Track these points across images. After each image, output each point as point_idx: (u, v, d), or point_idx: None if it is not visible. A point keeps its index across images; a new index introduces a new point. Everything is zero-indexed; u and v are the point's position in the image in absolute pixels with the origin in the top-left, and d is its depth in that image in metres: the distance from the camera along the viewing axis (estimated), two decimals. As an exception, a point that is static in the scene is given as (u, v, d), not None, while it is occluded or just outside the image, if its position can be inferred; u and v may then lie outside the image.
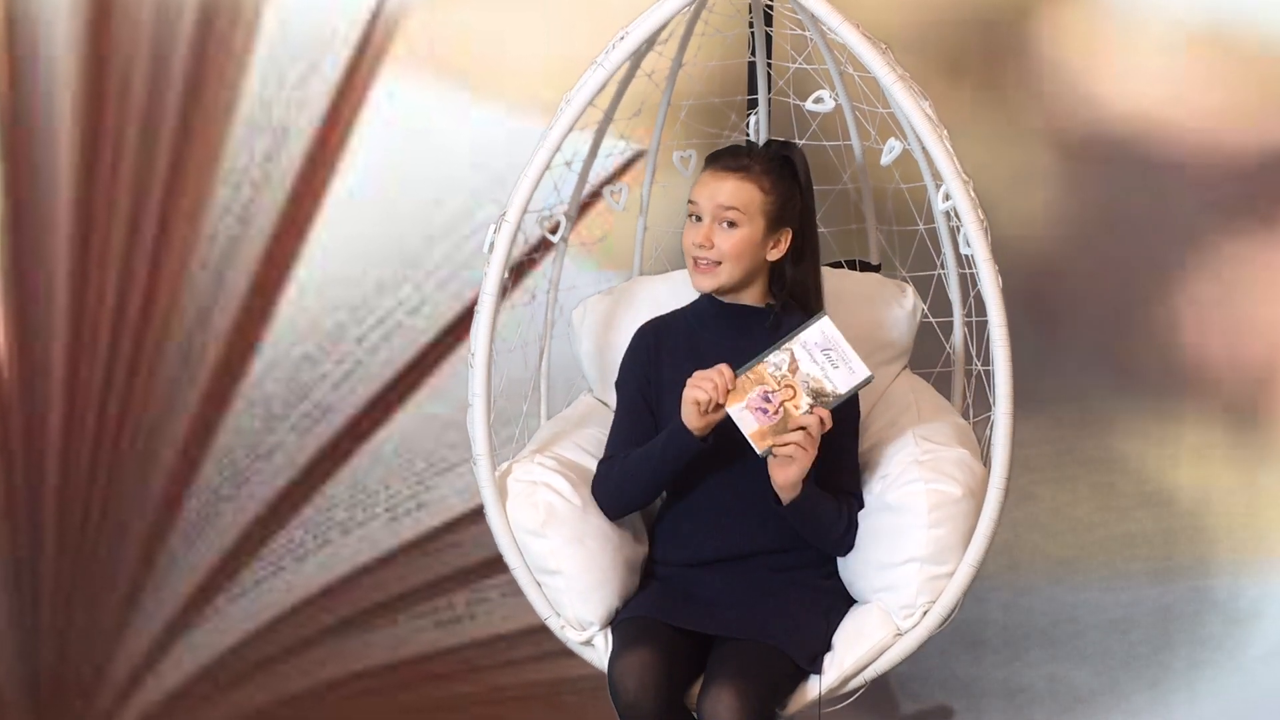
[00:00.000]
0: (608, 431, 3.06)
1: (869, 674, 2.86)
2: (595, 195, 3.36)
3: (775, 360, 2.77)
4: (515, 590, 3.03)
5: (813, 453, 2.78)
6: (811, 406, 2.77)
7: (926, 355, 3.26)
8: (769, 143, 2.99)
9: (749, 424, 2.77)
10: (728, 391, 2.77)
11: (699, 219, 2.89)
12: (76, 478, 3.79)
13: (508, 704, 3.86)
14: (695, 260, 2.89)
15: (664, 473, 2.89)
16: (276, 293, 3.77)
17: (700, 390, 2.77)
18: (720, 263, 2.88)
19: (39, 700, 3.84)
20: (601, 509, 2.94)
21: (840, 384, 2.77)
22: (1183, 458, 3.82)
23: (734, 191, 2.88)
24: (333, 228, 3.75)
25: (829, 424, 2.78)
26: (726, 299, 2.94)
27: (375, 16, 3.69)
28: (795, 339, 2.77)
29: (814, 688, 2.82)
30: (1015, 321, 2.90)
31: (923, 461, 2.90)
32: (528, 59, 3.69)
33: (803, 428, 2.76)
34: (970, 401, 3.17)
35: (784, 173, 2.92)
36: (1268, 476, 3.82)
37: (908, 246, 3.30)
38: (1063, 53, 3.73)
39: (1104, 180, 3.75)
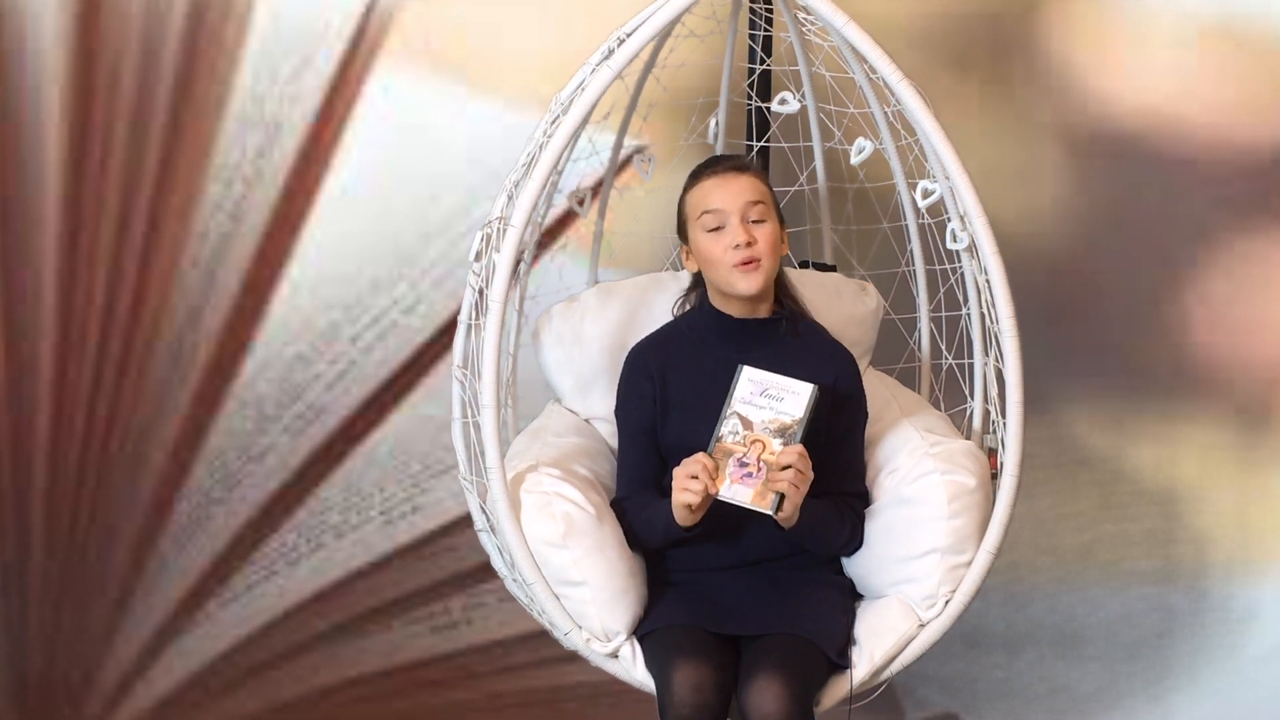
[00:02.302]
0: (591, 443, 3.07)
1: (896, 666, 2.87)
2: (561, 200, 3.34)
3: (729, 429, 2.81)
4: (512, 595, 3.00)
5: (806, 483, 2.79)
6: (784, 444, 2.80)
7: (882, 353, 3.29)
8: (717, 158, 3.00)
9: (744, 495, 2.80)
10: (713, 479, 2.80)
11: (721, 227, 2.88)
12: (65, 480, 3.78)
13: (505, 711, 3.85)
14: (739, 263, 2.86)
15: (667, 546, 2.92)
16: (269, 291, 3.76)
17: (690, 494, 2.79)
18: (762, 258, 2.87)
19: (27, 706, 3.83)
20: None
21: (795, 410, 2.80)
22: (1189, 458, 3.83)
23: (753, 186, 2.89)
24: (326, 225, 3.74)
25: (805, 455, 2.80)
26: (736, 314, 2.93)
27: (369, 9, 3.69)
28: (733, 401, 2.81)
29: (843, 682, 2.83)
30: (1020, 319, 2.91)
31: (935, 454, 2.91)
32: (525, 53, 3.68)
33: (787, 466, 2.78)
34: (940, 395, 3.19)
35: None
36: (1277, 478, 3.83)
37: (863, 247, 3.32)
38: (1071, 47, 3.73)
39: (1113, 176, 3.75)
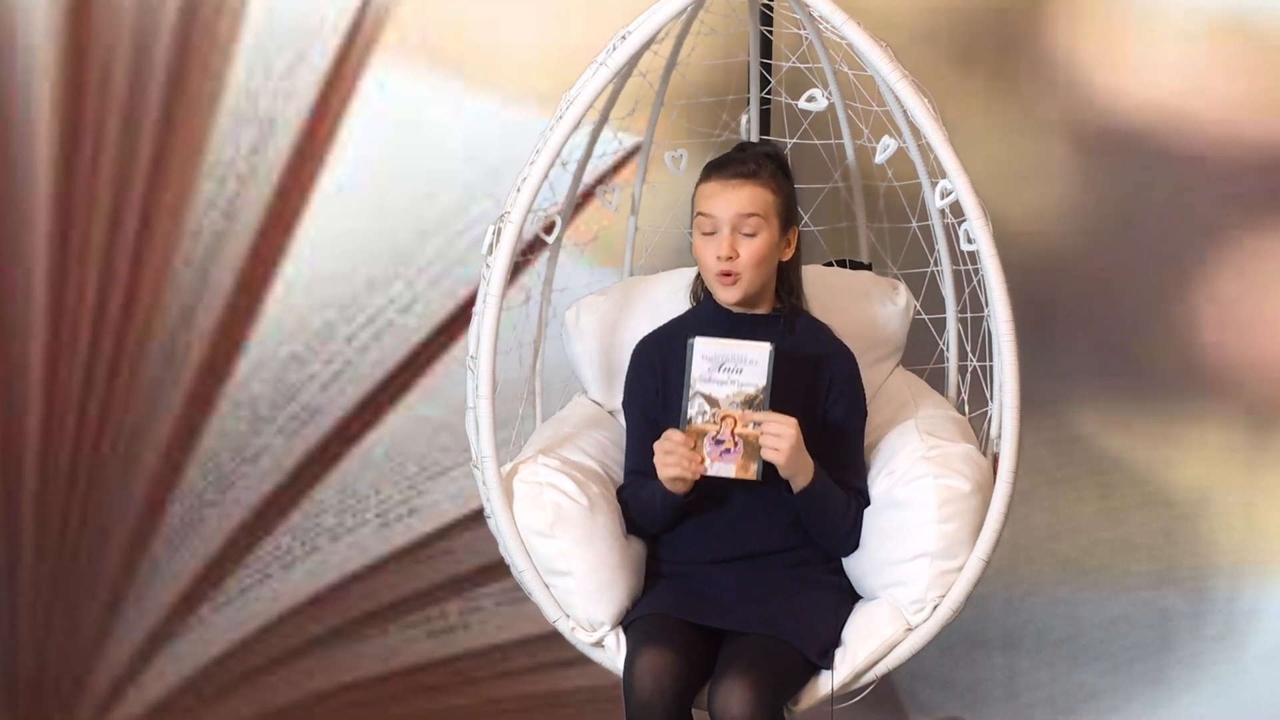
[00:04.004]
0: (607, 435, 3.11)
1: (880, 669, 2.89)
2: (588, 194, 3.37)
3: (696, 410, 2.85)
4: (510, 599, 3.04)
5: (787, 438, 2.82)
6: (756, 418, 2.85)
7: (918, 353, 3.29)
8: (750, 145, 3.03)
9: (727, 470, 2.85)
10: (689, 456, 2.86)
11: (712, 232, 2.93)
12: (56, 482, 3.77)
13: (504, 716, 3.84)
14: (719, 274, 2.93)
15: (670, 521, 2.96)
16: (263, 290, 3.75)
17: (677, 468, 2.85)
18: (743, 273, 2.93)
19: (17, 712, 3.81)
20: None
21: (756, 379, 2.83)
22: (1197, 459, 3.81)
23: (751, 198, 2.92)
24: (321, 223, 3.73)
25: (775, 416, 2.83)
26: (737, 309, 2.98)
27: (365, 4, 3.68)
28: (694, 381, 2.84)
29: (824, 684, 2.85)
30: (1028, 319, 2.91)
31: (930, 457, 2.93)
32: (523, 48, 3.67)
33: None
34: (965, 397, 3.20)
35: (782, 171, 2.98)
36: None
37: (898, 244, 3.33)
38: (1078, 42, 3.71)
39: (1121, 174, 3.72)
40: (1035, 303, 3.53)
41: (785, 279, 3.00)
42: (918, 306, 3.26)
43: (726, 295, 2.94)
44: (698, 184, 2.96)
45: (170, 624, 3.82)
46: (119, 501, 3.78)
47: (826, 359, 2.97)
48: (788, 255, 2.97)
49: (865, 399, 3.01)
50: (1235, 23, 3.67)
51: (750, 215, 2.90)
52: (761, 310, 2.98)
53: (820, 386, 2.95)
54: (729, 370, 2.83)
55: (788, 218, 2.95)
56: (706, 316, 3.00)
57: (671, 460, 2.84)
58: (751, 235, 2.91)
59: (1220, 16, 3.67)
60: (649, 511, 2.95)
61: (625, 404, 3.05)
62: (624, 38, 2.92)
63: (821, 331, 3.03)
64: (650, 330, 3.07)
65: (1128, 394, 3.79)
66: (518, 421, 3.19)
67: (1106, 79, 3.70)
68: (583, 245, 3.37)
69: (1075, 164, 3.74)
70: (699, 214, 2.94)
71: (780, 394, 2.86)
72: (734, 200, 2.91)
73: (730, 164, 2.94)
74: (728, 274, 2.91)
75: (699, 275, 3.05)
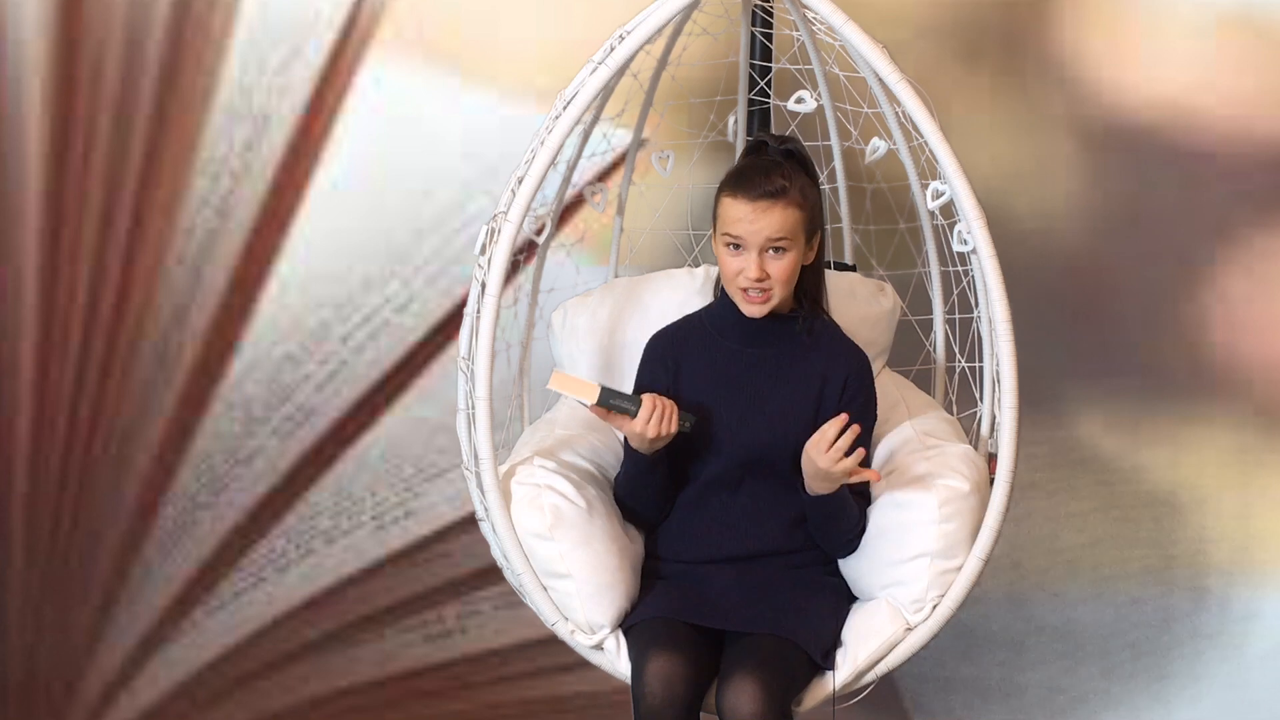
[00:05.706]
0: (599, 438, 3.11)
1: (880, 669, 2.90)
2: (578, 195, 3.35)
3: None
4: (509, 603, 3.04)
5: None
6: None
7: (902, 354, 3.29)
8: (763, 144, 2.98)
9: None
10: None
11: (737, 247, 2.90)
12: (46, 484, 3.77)
13: (501, 722, 3.87)
14: (746, 290, 2.91)
15: (650, 486, 2.97)
16: (257, 289, 3.74)
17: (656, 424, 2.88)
18: (774, 289, 2.91)
19: (8, 717, 3.80)
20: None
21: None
22: (1205, 460, 3.81)
23: (781, 221, 2.88)
24: (316, 221, 3.72)
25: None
26: None
27: None
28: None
29: (826, 684, 2.87)
30: (1032, 317, 2.92)
31: (929, 457, 2.95)
32: (521, 43, 3.67)
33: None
34: (953, 398, 3.21)
35: (807, 175, 2.94)
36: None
37: (883, 246, 3.35)
38: (1085, 37, 3.70)
39: (1128, 171, 3.72)
40: (1040, 301, 3.53)
41: (803, 281, 2.96)
42: (904, 308, 3.26)
43: (752, 311, 2.91)
44: (720, 193, 2.91)
45: (163, 628, 3.81)
46: (111, 504, 3.77)
47: (842, 360, 2.96)
48: (809, 260, 2.94)
49: (876, 402, 3.00)
50: (1245, 17, 3.67)
51: (780, 239, 2.87)
52: (780, 311, 2.96)
53: (834, 387, 2.93)
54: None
55: (813, 227, 2.93)
56: (723, 314, 2.98)
57: (666, 417, 2.87)
58: (779, 253, 2.88)
59: (1229, 11, 3.66)
60: (636, 488, 2.96)
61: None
62: (621, 38, 2.92)
63: (836, 333, 3.02)
64: (653, 332, 3.04)
65: (1135, 393, 3.79)
66: (507, 424, 3.18)
67: (1114, 75, 3.69)
68: (569, 246, 3.36)
69: (1082, 161, 3.73)
70: (725, 232, 2.90)
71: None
72: (763, 227, 2.86)
73: (755, 180, 2.88)
74: (754, 292, 2.89)
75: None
